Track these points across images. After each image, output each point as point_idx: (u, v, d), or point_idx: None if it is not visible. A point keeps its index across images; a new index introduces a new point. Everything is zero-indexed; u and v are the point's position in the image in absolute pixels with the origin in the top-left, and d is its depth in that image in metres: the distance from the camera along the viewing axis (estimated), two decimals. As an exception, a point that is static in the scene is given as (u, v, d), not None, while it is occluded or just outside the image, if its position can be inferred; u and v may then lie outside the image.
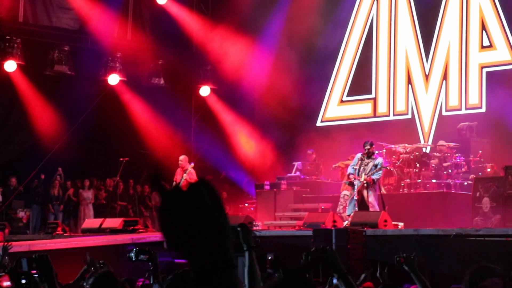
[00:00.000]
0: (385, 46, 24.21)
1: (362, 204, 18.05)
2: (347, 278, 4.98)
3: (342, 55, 24.95)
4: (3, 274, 8.49)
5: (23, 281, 6.10)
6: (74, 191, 25.11)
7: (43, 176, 24.62)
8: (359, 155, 18.29)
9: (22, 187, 24.37)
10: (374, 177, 17.87)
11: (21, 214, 23.99)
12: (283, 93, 24.21)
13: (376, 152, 18.73)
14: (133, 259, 7.67)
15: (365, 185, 17.92)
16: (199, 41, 27.28)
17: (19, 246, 16.40)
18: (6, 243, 10.61)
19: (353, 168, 18.27)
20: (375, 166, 17.97)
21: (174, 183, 21.05)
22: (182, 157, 21.23)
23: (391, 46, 24.07)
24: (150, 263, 7.77)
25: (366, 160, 18.05)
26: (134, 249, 7.72)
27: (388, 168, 20.34)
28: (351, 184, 18.29)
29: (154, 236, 18.81)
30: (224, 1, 26.75)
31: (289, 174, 22.65)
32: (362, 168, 18.03)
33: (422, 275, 6.39)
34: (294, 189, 21.80)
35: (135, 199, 26.02)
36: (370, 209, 17.78)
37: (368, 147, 18.11)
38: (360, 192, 18.04)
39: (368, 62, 24.51)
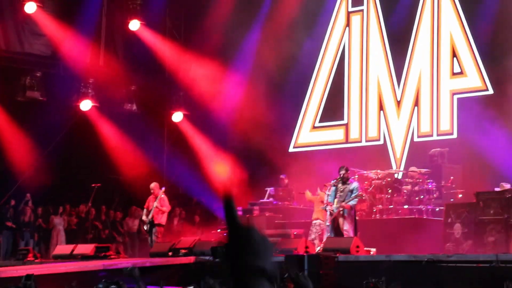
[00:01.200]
0: (357, 72, 24.31)
1: (337, 231, 18.01)
2: None
3: (314, 81, 25.01)
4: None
5: None
6: (45, 217, 24.92)
7: (13, 202, 24.41)
8: (333, 181, 18.22)
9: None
10: (351, 203, 17.84)
11: (-9, 240, 23.76)
12: (256, 118, 24.21)
13: (351, 177, 18.70)
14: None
15: (341, 212, 17.89)
16: (172, 67, 27.30)
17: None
18: None
19: (327, 194, 18.21)
20: (351, 191, 17.95)
21: (145, 210, 20.97)
22: (152, 185, 21.16)
23: (363, 73, 24.17)
24: None
25: (341, 186, 18.02)
26: (103, 280, 7.63)
27: (360, 194, 20.37)
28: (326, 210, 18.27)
29: (126, 262, 18.65)
30: (196, 27, 26.78)
31: (261, 200, 22.62)
32: (338, 194, 17.99)
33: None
34: (267, 215, 21.76)
35: (107, 224, 25.86)
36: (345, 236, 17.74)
37: (343, 172, 18.08)
38: (335, 219, 18.00)
39: (340, 88, 24.59)
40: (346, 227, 17.83)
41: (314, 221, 19.54)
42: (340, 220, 17.90)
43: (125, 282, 7.79)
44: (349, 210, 17.81)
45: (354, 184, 18.19)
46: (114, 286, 7.60)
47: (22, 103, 25.37)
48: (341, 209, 17.81)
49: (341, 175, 18.04)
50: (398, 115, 23.26)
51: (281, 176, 22.69)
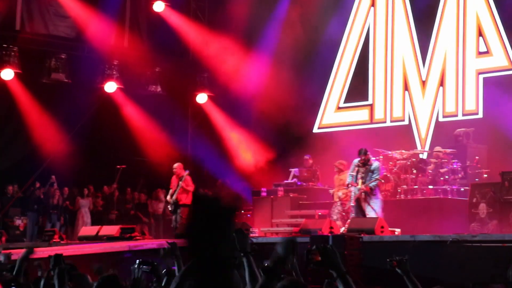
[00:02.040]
0: (382, 52, 24.18)
1: (360, 210, 18.01)
2: (346, 278, 4.94)
3: (339, 61, 24.91)
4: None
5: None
6: (71, 199, 25.09)
7: (38, 184, 24.57)
8: (356, 161, 18.23)
9: (20, 194, 24.33)
10: (371, 185, 17.80)
11: (18, 222, 23.97)
12: (280, 99, 24.16)
13: (372, 158, 18.63)
14: (136, 271, 7.51)
15: (363, 194, 17.86)
16: (196, 49, 27.26)
17: (16, 254, 16.30)
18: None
19: (351, 175, 18.21)
20: (372, 172, 17.91)
21: (170, 190, 21.03)
22: (176, 165, 21.20)
23: (387, 53, 24.04)
24: (153, 275, 7.61)
25: (363, 168, 18.01)
26: (137, 261, 7.58)
27: (385, 174, 20.33)
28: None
29: (151, 243, 18.76)
30: (220, 8, 26.73)
31: (286, 181, 22.60)
32: (359, 175, 17.98)
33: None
34: (291, 195, 21.75)
35: (132, 205, 26.00)
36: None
37: (362, 155, 18.05)
38: (358, 200, 17.98)
39: (365, 69, 24.48)
40: (368, 209, 17.80)
41: (335, 202, 19.57)
42: (363, 202, 17.87)
43: (160, 263, 7.77)
44: (369, 192, 17.78)
45: (375, 164, 18.14)
46: (148, 266, 7.55)
47: (47, 85, 25.47)
48: (362, 191, 17.80)
49: (362, 158, 18.01)
50: (423, 95, 23.13)
51: (305, 157, 22.64)
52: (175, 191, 20.84)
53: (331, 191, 20.24)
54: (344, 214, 19.15)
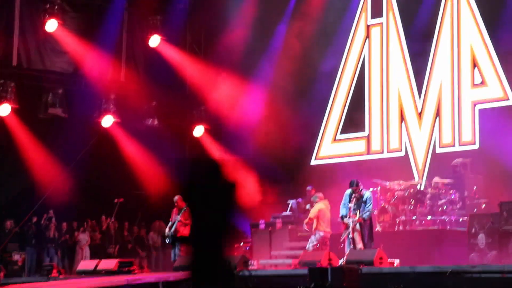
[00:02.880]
0: (378, 84, 24.28)
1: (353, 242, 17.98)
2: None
3: (335, 93, 25.01)
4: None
5: None
6: (69, 233, 25.05)
7: (35, 219, 24.54)
8: (348, 192, 18.18)
9: (17, 229, 24.28)
10: (364, 216, 17.78)
11: (16, 257, 23.91)
12: (278, 131, 24.23)
13: (363, 188, 18.55)
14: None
15: (356, 225, 17.83)
16: (192, 82, 27.38)
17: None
18: None
19: (345, 206, 18.15)
20: (365, 202, 17.91)
21: (170, 223, 21.00)
22: (176, 197, 21.18)
23: (383, 84, 24.14)
24: None
25: (355, 199, 18.00)
26: None
27: (383, 205, 20.35)
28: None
29: (149, 277, 18.68)
30: (216, 41, 26.88)
31: (284, 213, 22.60)
32: (352, 207, 17.96)
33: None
34: (289, 227, 21.73)
35: (130, 239, 25.94)
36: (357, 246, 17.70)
37: (354, 186, 18.04)
38: (354, 230, 17.96)
39: (361, 100, 24.57)
40: (357, 238, 17.77)
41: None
42: (355, 233, 17.83)
43: None
44: (363, 223, 17.76)
45: (367, 194, 18.12)
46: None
47: (44, 120, 25.54)
48: (356, 222, 17.78)
49: (353, 190, 18.01)
50: (420, 126, 23.20)
51: (308, 188, 22.64)
52: (173, 223, 20.81)
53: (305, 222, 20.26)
54: (318, 245, 19.31)
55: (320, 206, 19.67)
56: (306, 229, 19.97)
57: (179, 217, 20.69)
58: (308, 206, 21.16)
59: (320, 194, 20.14)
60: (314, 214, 19.68)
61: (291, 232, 21.62)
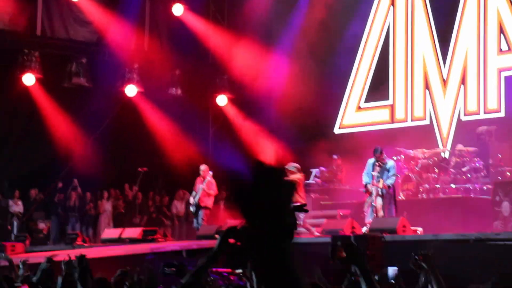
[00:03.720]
0: (402, 51, 24.11)
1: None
2: (369, 275, 4.97)
3: (359, 61, 24.86)
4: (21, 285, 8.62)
5: None
6: (93, 202, 25.23)
7: (60, 185, 24.73)
8: (371, 160, 18.17)
9: (42, 198, 24.49)
10: (388, 182, 17.77)
11: (41, 225, 24.14)
12: (301, 100, 24.13)
13: (385, 157, 18.51)
14: (163, 274, 7.51)
15: (380, 192, 17.82)
16: (216, 50, 27.33)
17: (40, 257, 16.42)
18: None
19: (368, 174, 18.14)
20: (388, 170, 17.90)
21: (193, 192, 21.08)
22: (202, 167, 21.22)
23: (408, 52, 23.97)
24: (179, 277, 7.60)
25: (378, 167, 17.99)
26: (162, 264, 7.59)
27: (406, 173, 20.31)
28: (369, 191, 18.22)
29: (173, 245, 18.82)
30: (239, 9, 26.77)
31: (307, 181, 22.60)
32: (378, 174, 17.95)
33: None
34: (313, 196, 21.75)
35: (154, 208, 26.07)
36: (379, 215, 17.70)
37: (378, 154, 18.03)
38: (376, 198, 17.96)
39: (385, 69, 24.42)
40: (379, 205, 17.74)
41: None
42: (379, 199, 17.83)
43: (185, 264, 7.78)
44: (387, 190, 17.75)
45: (390, 163, 18.10)
46: (169, 269, 7.57)
47: (68, 90, 25.65)
48: (379, 189, 17.77)
49: (376, 157, 18.00)
50: (444, 94, 23.04)
51: (334, 157, 22.62)
52: (197, 193, 20.90)
53: None
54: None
55: (299, 176, 19.40)
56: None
57: (202, 186, 20.76)
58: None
59: (297, 165, 19.88)
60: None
61: (314, 201, 21.64)
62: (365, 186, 18.17)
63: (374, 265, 14.73)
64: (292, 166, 18.92)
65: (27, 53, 24.52)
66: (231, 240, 3.79)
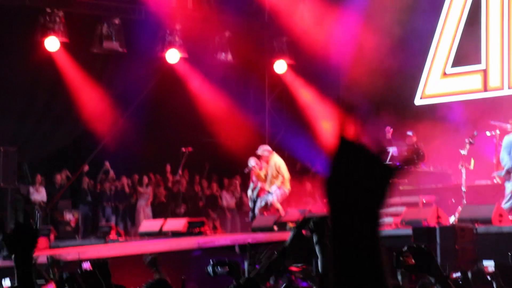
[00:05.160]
0: (497, 6, 23.85)
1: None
2: (447, 283, 4.82)
3: (445, 19, 24.67)
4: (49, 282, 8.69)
5: None
6: (130, 189, 25.34)
7: (87, 168, 24.88)
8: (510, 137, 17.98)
9: (69, 184, 24.67)
10: None
11: (68, 216, 24.30)
12: (374, 66, 24.02)
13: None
14: (211, 273, 7.48)
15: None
16: (272, 8, 27.21)
17: (67, 254, 16.51)
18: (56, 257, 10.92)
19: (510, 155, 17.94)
20: None
21: (252, 184, 21.11)
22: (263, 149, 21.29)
23: (504, 6, 23.71)
24: (231, 277, 7.55)
25: None
26: (211, 261, 7.53)
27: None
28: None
29: (224, 239, 18.81)
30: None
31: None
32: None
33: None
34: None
35: (201, 197, 26.13)
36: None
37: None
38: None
39: (477, 27, 24.17)
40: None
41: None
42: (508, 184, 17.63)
43: (239, 262, 7.73)
44: None
45: None
46: (222, 269, 7.49)
47: (99, 56, 25.76)
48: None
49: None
50: (549, 56, 22.80)
51: (408, 133, 22.44)
52: (256, 186, 20.92)
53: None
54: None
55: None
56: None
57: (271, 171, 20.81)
58: None
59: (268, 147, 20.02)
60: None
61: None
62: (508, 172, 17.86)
63: (465, 261, 14.55)
64: (264, 150, 19.34)
65: (50, 13, 24.62)
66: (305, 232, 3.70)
